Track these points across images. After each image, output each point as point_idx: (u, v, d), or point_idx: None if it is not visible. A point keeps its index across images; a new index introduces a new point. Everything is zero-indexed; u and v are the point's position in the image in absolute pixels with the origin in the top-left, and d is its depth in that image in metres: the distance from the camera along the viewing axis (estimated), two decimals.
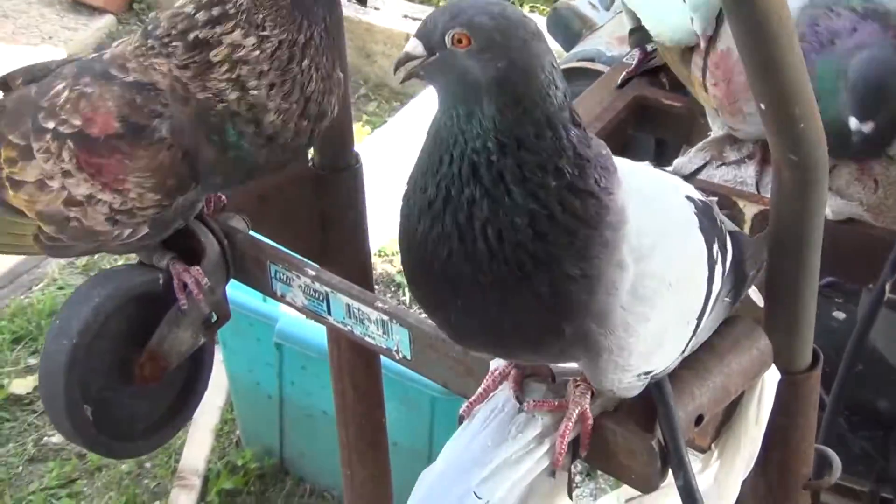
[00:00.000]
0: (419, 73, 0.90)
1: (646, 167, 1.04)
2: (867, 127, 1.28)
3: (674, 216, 0.99)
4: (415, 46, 0.88)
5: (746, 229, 1.32)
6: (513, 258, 0.88)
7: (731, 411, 1.10)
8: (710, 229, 1.01)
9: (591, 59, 1.74)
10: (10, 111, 1.23)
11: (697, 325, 1.00)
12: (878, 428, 1.55)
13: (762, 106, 0.99)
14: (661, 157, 1.63)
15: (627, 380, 0.97)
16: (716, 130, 1.52)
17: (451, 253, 0.89)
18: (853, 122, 1.28)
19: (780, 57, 0.93)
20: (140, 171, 1.14)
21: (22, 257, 3.18)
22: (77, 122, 1.16)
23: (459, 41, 0.86)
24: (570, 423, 1.00)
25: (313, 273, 1.23)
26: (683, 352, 1.00)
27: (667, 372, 0.99)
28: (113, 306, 1.24)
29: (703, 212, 1.02)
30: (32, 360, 2.81)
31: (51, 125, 1.18)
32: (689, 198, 1.02)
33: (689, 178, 1.22)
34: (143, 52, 1.17)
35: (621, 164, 0.95)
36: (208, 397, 2.63)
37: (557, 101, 0.88)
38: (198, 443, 2.64)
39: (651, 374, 0.98)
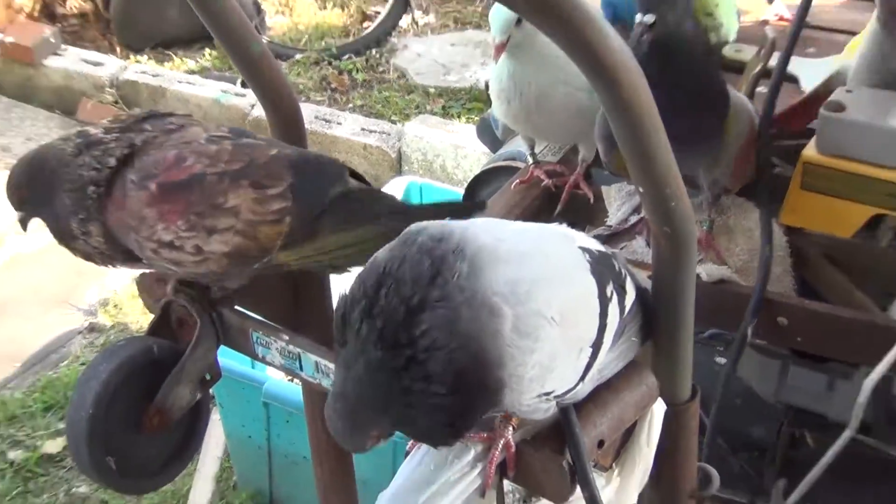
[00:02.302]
0: None
1: (540, 229, 1.05)
2: (649, 18, 1.27)
3: (555, 264, 0.99)
4: None
5: None
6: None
7: (627, 436, 1.12)
8: (604, 273, 1.02)
9: (514, 158, 1.74)
10: None
11: (595, 353, 1.00)
12: (753, 450, 1.57)
13: (640, 189, 1.02)
14: None
15: (527, 401, 0.97)
16: (613, 212, 1.56)
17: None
18: (637, 17, 1.28)
19: (652, 151, 0.96)
20: None
21: (50, 339, 3.19)
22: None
23: None
24: (497, 451, 1.03)
25: (287, 338, 1.25)
26: (584, 376, 1.01)
27: (571, 394, 1.01)
28: (119, 378, 1.25)
29: (598, 259, 1.03)
30: (61, 425, 2.80)
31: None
32: (582, 248, 1.03)
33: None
34: None
35: (500, 230, 0.99)
36: (209, 449, 2.68)
37: None
38: (201, 488, 2.65)
39: (552, 395, 0.98)
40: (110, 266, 1.28)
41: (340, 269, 1.27)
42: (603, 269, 1.03)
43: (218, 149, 1.21)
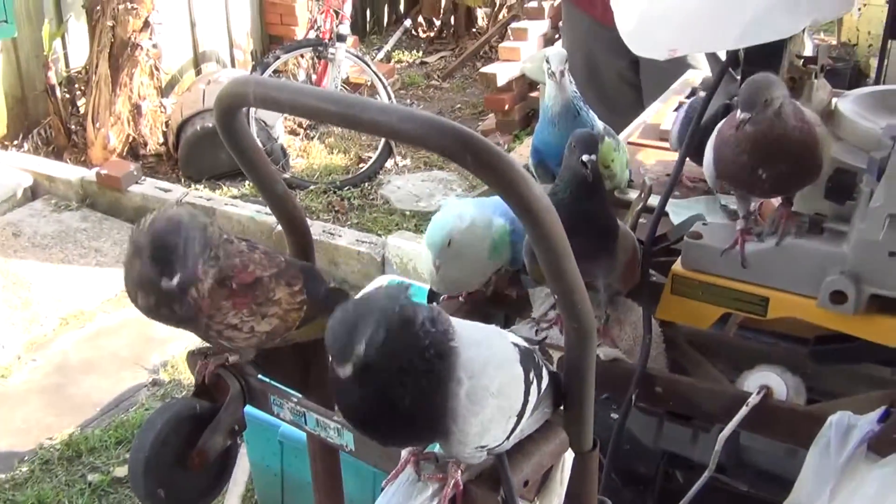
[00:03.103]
0: None
1: (483, 327, 1.03)
2: (594, 158, 1.24)
3: (497, 352, 0.99)
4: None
5: (555, 368, 1.33)
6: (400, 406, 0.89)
7: (546, 477, 1.10)
8: (527, 362, 1.01)
9: None
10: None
11: (519, 420, 0.99)
12: (639, 484, 1.55)
13: (555, 296, 1.01)
14: (507, 323, 1.63)
15: (468, 451, 0.96)
16: (536, 308, 1.55)
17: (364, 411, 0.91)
18: (585, 157, 1.24)
19: (563, 267, 0.96)
20: None
21: (123, 390, 3.13)
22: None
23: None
24: (448, 489, 1.01)
25: (296, 400, 1.22)
26: (510, 435, 0.99)
27: (500, 447, 0.99)
28: (170, 428, 1.22)
29: (524, 352, 1.02)
30: (129, 455, 2.73)
31: None
32: (513, 343, 1.03)
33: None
34: None
35: (464, 326, 0.96)
36: (237, 475, 2.61)
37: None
38: None
39: (486, 448, 0.97)
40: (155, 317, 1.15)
41: None
42: (527, 360, 1.02)
43: (259, 257, 1.21)
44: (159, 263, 1.07)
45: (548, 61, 1.49)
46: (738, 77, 1.49)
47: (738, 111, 1.24)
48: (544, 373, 1.06)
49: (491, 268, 1.45)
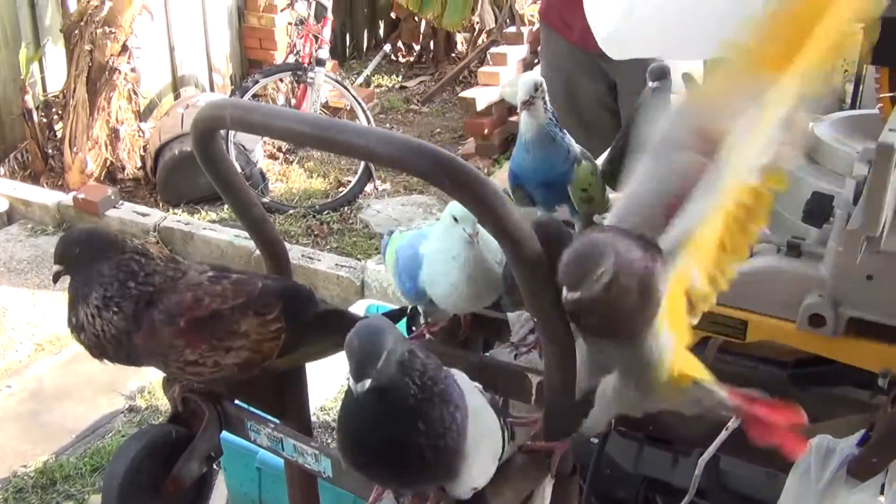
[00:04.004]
0: None
1: (455, 372, 1.03)
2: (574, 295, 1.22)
3: (478, 398, 1.00)
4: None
5: (533, 392, 1.32)
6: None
7: (528, 500, 1.10)
8: (497, 409, 1.04)
9: None
10: None
11: (496, 463, 1.02)
12: None
13: (534, 320, 1.01)
14: (486, 348, 1.61)
15: (464, 492, 0.98)
16: (516, 332, 1.54)
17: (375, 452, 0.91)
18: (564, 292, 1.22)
19: (541, 290, 0.96)
20: None
21: (99, 416, 3.09)
22: None
23: None
24: None
25: (273, 426, 1.21)
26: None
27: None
28: (144, 454, 1.20)
29: (490, 400, 1.04)
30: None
31: None
32: (481, 391, 1.05)
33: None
34: None
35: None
36: (215, 502, 2.57)
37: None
38: None
39: (475, 489, 0.99)
40: (102, 358, 1.18)
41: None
42: (495, 406, 1.04)
43: (222, 288, 1.17)
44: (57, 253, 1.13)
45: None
46: None
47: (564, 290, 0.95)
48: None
49: (494, 292, 1.39)
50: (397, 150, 0.93)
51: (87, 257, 1.13)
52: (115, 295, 1.11)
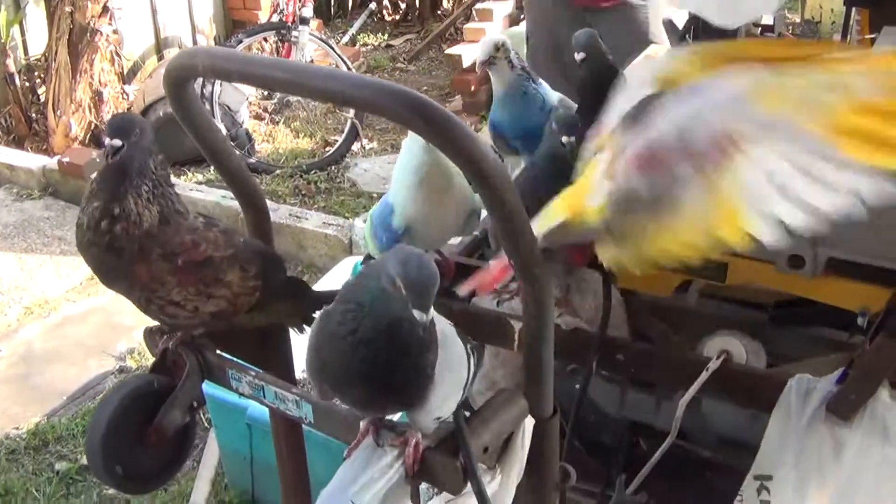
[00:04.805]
0: None
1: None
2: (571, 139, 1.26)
3: (446, 326, 1.02)
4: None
5: (515, 338, 1.33)
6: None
7: (506, 443, 1.09)
8: (462, 336, 1.05)
9: None
10: None
11: (464, 392, 1.02)
12: (602, 451, 1.55)
13: (512, 262, 1.01)
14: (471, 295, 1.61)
15: (429, 422, 0.99)
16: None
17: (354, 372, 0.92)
18: (564, 139, 1.26)
19: (518, 231, 0.95)
20: None
21: (89, 378, 3.09)
22: None
23: None
24: (411, 450, 1.01)
25: (254, 374, 1.21)
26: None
27: (447, 417, 1.01)
28: (127, 403, 1.20)
29: (460, 333, 1.05)
30: None
31: None
32: (453, 326, 1.05)
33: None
34: None
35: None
36: (207, 459, 2.60)
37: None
38: (200, 488, 2.56)
39: (439, 419, 1.00)
40: (100, 270, 1.15)
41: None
42: (462, 335, 1.05)
43: (214, 236, 1.18)
44: (114, 131, 1.09)
45: None
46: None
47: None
48: (469, 347, 1.08)
49: (463, 214, 1.42)
50: (371, 94, 0.92)
51: (142, 146, 1.11)
52: (160, 195, 1.12)
